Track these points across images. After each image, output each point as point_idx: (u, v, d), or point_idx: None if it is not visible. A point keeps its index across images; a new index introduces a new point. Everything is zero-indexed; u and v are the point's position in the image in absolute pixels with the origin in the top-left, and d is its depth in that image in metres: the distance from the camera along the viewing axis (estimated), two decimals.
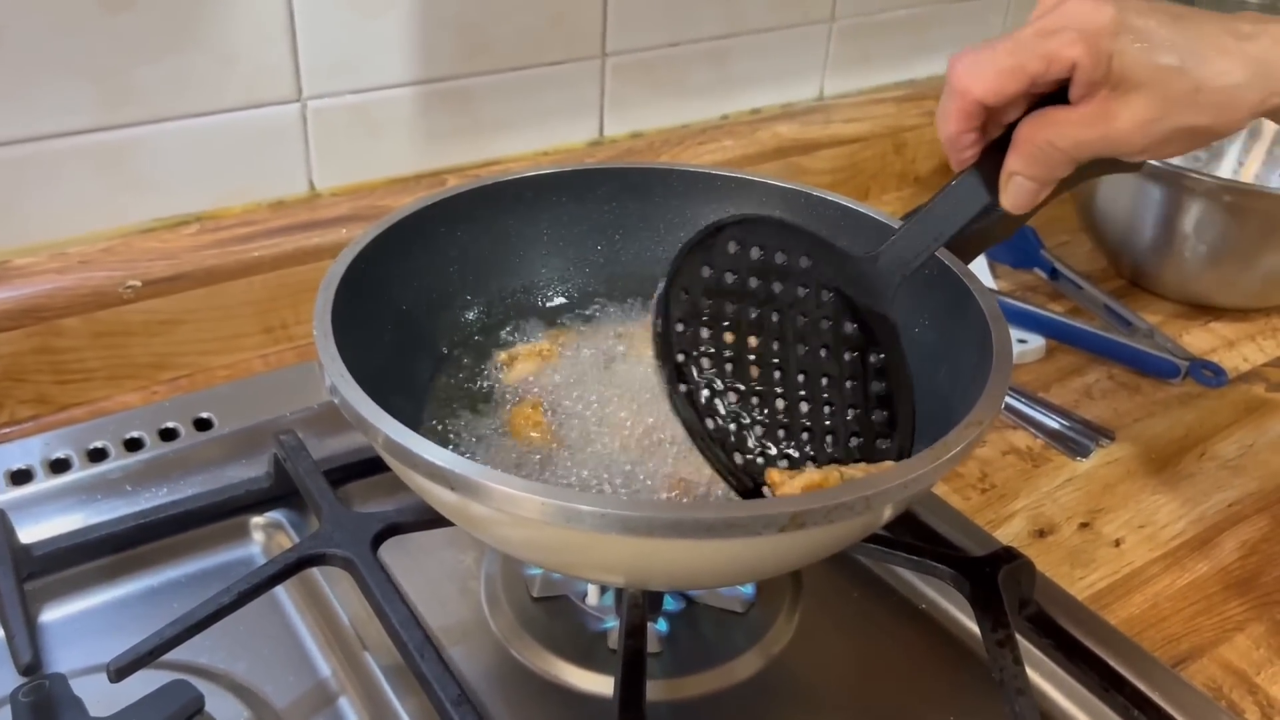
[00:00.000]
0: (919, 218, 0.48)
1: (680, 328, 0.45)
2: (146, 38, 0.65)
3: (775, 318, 0.47)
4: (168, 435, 0.62)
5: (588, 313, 0.61)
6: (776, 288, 0.48)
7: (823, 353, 0.48)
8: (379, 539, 0.51)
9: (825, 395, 0.47)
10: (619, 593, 0.52)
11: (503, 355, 0.58)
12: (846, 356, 0.48)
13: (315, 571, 0.55)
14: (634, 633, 0.47)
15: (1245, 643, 0.57)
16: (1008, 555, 0.53)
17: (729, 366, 0.46)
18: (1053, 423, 0.72)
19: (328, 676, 0.51)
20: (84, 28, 0.63)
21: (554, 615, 0.55)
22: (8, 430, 0.64)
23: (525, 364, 0.58)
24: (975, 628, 0.54)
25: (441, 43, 0.76)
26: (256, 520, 0.59)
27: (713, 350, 0.46)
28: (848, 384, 0.48)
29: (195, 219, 0.72)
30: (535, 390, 0.56)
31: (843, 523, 0.39)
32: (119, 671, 0.45)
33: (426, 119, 0.78)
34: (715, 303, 0.46)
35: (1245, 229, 0.80)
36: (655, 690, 0.49)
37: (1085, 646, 0.52)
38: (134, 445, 0.61)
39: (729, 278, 0.47)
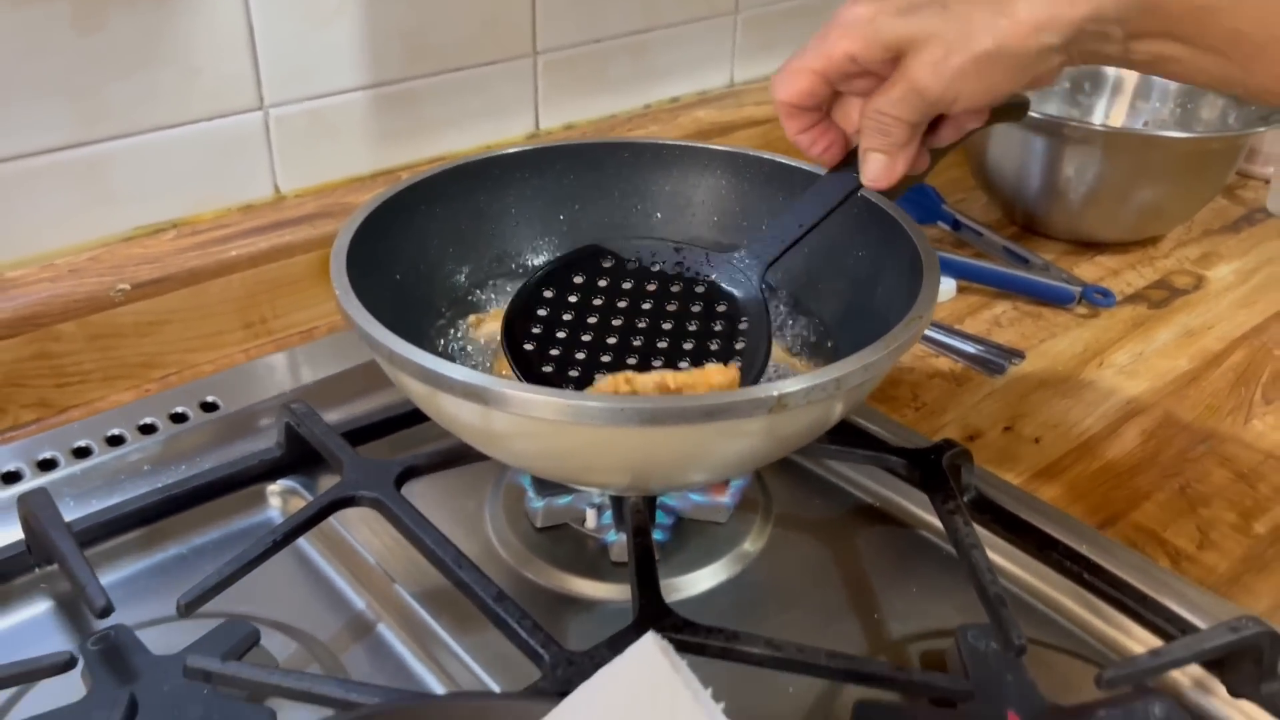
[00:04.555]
0: (787, 210, 0.57)
1: (542, 312, 0.55)
2: (117, 56, 0.70)
3: (646, 305, 0.57)
4: (178, 419, 0.66)
5: None
6: (650, 286, 0.58)
7: (691, 325, 0.56)
8: (400, 479, 0.57)
9: (686, 345, 0.55)
10: (618, 511, 0.59)
11: (471, 319, 0.64)
12: (716, 326, 0.56)
13: (335, 524, 0.60)
14: (640, 533, 0.54)
15: (1152, 508, 0.66)
16: (948, 445, 0.61)
17: (585, 337, 0.55)
18: (969, 348, 0.81)
19: (363, 609, 0.56)
20: (58, 49, 0.67)
21: (558, 542, 0.61)
22: (12, 434, 0.68)
23: (491, 324, 0.64)
24: (923, 514, 0.63)
25: (386, 48, 0.82)
26: (272, 488, 0.63)
27: (570, 326, 0.55)
28: (712, 344, 0.55)
29: (171, 226, 0.76)
30: None
31: (818, 404, 0.46)
32: (188, 606, 0.49)
33: (378, 121, 0.84)
34: (582, 297, 0.57)
35: (1118, 169, 0.90)
36: None
37: (1020, 518, 0.60)
38: (148, 430, 0.65)
39: (601, 282, 0.57)
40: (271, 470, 0.63)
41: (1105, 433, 0.73)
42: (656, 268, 0.58)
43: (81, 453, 0.63)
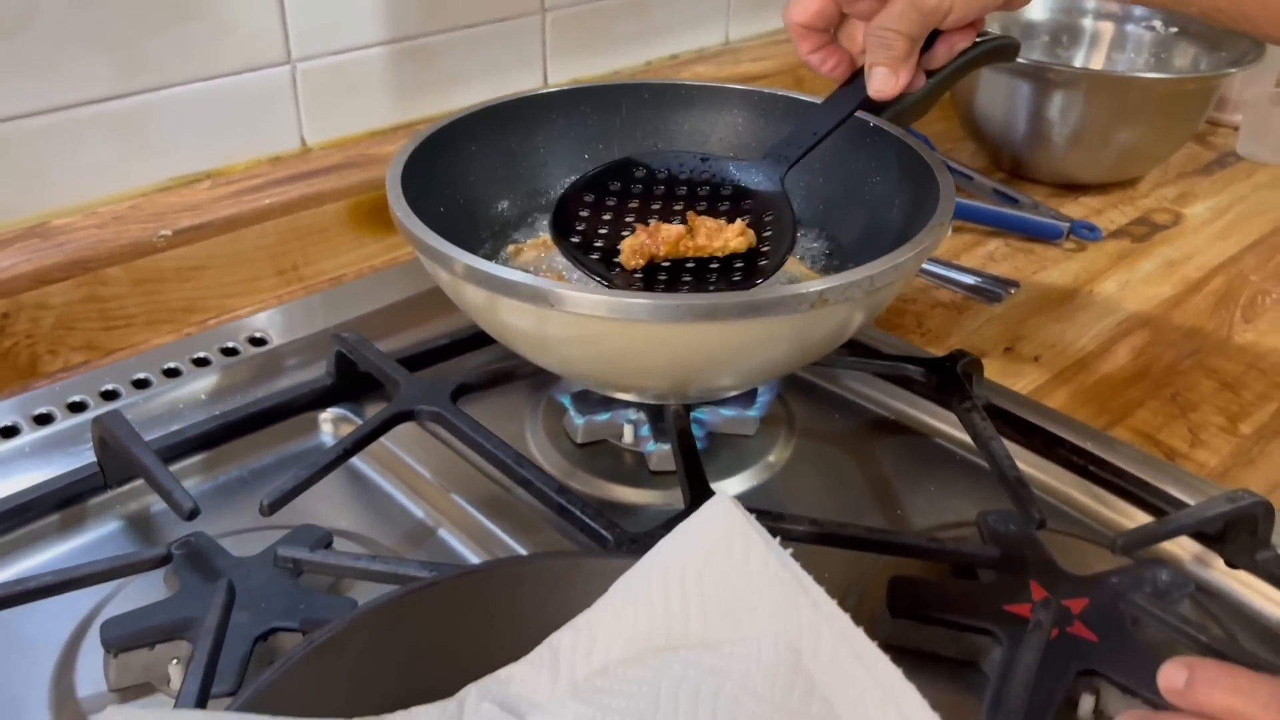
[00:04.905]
0: (804, 120, 0.62)
1: (584, 213, 0.59)
2: (155, 10, 0.72)
3: (677, 207, 0.61)
4: (229, 353, 0.70)
5: None
6: (680, 190, 0.62)
7: (722, 220, 0.60)
8: (456, 394, 0.61)
9: None
10: (656, 422, 0.63)
11: (510, 248, 0.68)
12: (745, 219, 0.60)
13: (389, 444, 0.63)
14: (683, 435, 0.58)
15: (1146, 414, 0.71)
16: (961, 354, 0.66)
17: (624, 233, 0.58)
18: (968, 279, 0.85)
19: (423, 517, 0.60)
20: (101, 2, 0.70)
21: (597, 456, 0.64)
22: (63, 374, 0.71)
23: (530, 253, 0.68)
24: (937, 423, 0.67)
25: (404, 4, 0.85)
26: (324, 415, 0.67)
27: (609, 224, 0.59)
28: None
29: (206, 176, 0.79)
30: (550, 267, 0.66)
31: (852, 302, 0.51)
32: (271, 506, 0.53)
33: (396, 75, 0.87)
34: (619, 201, 0.60)
35: (1099, 112, 0.95)
36: None
37: (1028, 421, 0.65)
38: (202, 363, 0.68)
39: (635, 188, 0.61)
40: (323, 398, 0.66)
41: (1099, 351, 0.77)
42: (685, 175, 0.62)
43: (141, 384, 0.66)
